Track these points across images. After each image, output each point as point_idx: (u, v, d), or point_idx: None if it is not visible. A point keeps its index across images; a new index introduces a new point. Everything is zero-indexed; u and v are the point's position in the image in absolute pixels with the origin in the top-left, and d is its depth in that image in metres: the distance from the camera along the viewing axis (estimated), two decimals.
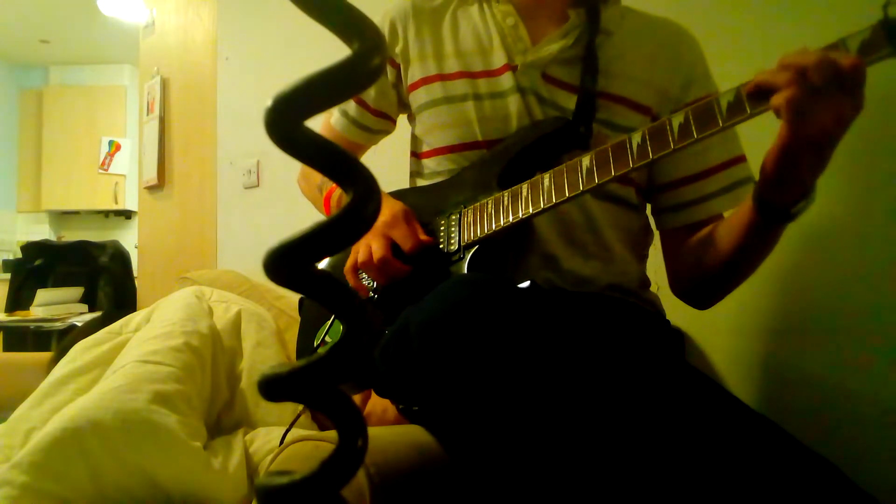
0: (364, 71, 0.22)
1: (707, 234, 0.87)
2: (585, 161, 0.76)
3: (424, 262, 0.86)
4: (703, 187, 0.90)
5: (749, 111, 0.64)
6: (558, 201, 0.77)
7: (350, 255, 0.89)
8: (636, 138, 0.72)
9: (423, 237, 0.86)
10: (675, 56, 0.92)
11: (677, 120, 0.69)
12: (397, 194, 1.00)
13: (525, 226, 0.84)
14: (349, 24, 0.22)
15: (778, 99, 0.62)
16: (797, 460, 0.55)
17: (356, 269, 0.88)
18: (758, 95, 0.63)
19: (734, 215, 0.81)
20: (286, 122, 0.22)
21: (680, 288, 0.95)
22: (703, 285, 0.91)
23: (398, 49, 0.99)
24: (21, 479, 0.83)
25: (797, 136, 0.64)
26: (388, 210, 0.88)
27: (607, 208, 0.90)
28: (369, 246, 0.85)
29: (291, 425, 0.89)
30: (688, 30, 0.96)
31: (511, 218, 0.81)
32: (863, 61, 0.59)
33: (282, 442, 0.85)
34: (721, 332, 1.14)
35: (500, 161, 0.88)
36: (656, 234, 1.00)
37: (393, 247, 0.85)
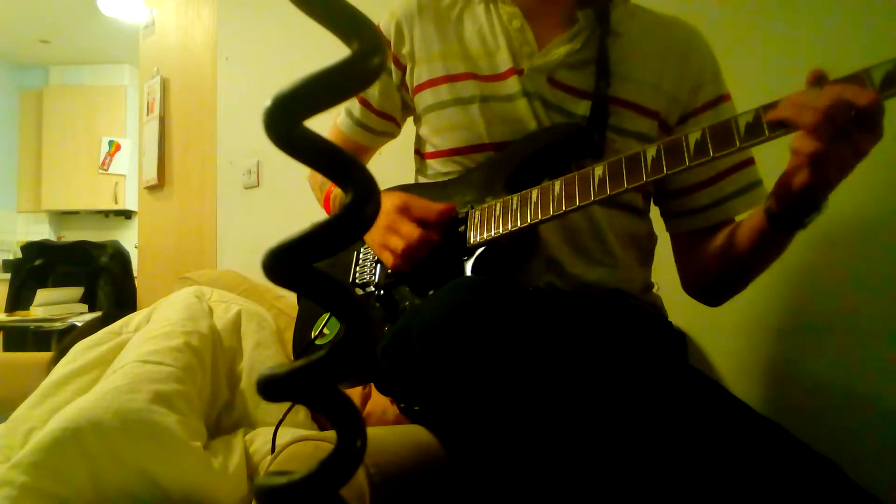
0: (363, 71, 0.22)
1: (721, 241, 0.87)
2: (598, 171, 0.75)
3: (448, 231, 0.86)
4: (719, 190, 0.90)
5: (767, 134, 0.64)
6: (568, 209, 0.77)
7: (382, 257, 0.88)
8: (651, 152, 0.71)
9: (439, 205, 0.86)
10: (685, 59, 0.91)
11: (694, 136, 0.68)
12: (401, 189, 1.00)
13: (533, 231, 0.83)
14: (349, 24, 0.22)
15: (801, 150, 0.63)
16: (799, 460, 0.55)
17: (401, 258, 0.85)
18: (778, 125, 0.63)
19: (746, 223, 0.82)
20: (285, 122, 0.21)
21: (694, 289, 0.96)
22: (717, 287, 0.92)
23: (405, 50, 0.98)
24: (21, 479, 0.83)
25: (818, 179, 0.65)
26: (397, 198, 0.88)
27: (613, 214, 0.90)
28: (398, 234, 0.84)
29: (278, 425, 0.89)
30: (698, 30, 0.94)
31: (519, 222, 0.80)
32: (880, 99, 0.58)
33: (273, 443, 0.85)
34: (723, 334, 1.14)
35: (510, 164, 0.88)
36: (659, 237, 1.00)
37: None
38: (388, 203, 0.87)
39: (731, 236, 0.85)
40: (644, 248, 0.96)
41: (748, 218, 0.82)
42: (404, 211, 0.85)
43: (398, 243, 0.84)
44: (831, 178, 0.65)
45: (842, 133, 0.60)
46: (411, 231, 0.83)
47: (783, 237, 0.78)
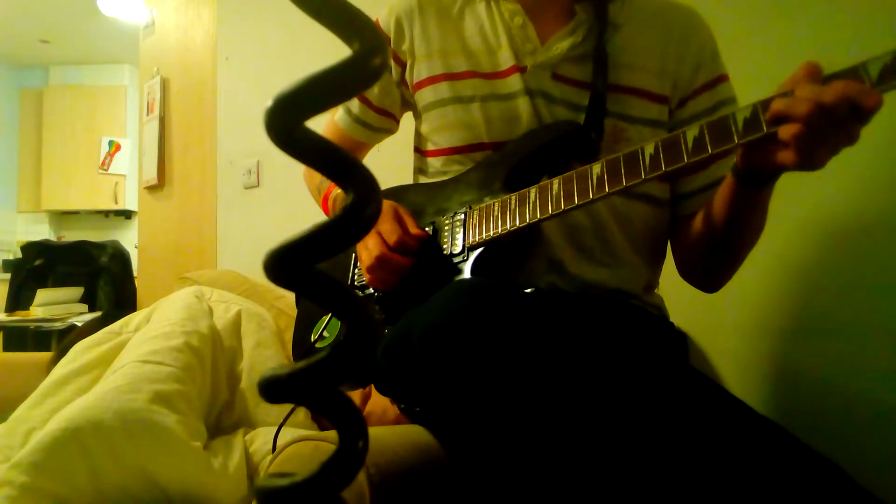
0: (364, 71, 0.22)
1: (701, 214, 0.87)
2: (596, 169, 0.75)
3: (425, 255, 0.85)
4: (709, 175, 0.90)
5: (766, 130, 0.64)
6: (567, 208, 0.76)
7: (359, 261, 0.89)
8: (649, 149, 0.71)
9: (414, 230, 0.86)
10: (685, 41, 0.91)
11: (692, 133, 0.68)
12: (398, 190, 1.00)
13: (531, 230, 0.83)
14: (349, 24, 0.22)
15: (787, 134, 0.61)
16: (800, 460, 0.54)
17: (368, 273, 0.87)
18: (775, 120, 0.63)
19: (720, 190, 0.80)
20: (286, 122, 0.21)
21: (688, 272, 0.95)
22: (707, 266, 0.91)
23: (405, 47, 0.98)
24: (21, 479, 0.83)
25: (805, 161, 0.63)
26: None
27: (634, 206, 0.89)
28: (367, 248, 0.85)
29: (280, 427, 0.90)
30: (696, 11, 0.94)
31: (518, 222, 0.80)
32: (881, 99, 0.58)
33: (275, 441, 0.85)
34: (723, 334, 1.14)
35: (508, 163, 0.87)
36: None
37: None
38: None
39: (710, 206, 0.84)
40: (657, 241, 0.95)
41: (721, 185, 0.81)
42: (378, 223, 0.85)
43: (366, 259, 0.85)
44: (822, 159, 0.63)
45: (838, 125, 0.60)
46: (374, 246, 0.84)
47: (755, 195, 0.76)
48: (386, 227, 0.85)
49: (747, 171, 0.72)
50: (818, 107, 0.59)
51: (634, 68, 0.89)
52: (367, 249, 0.85)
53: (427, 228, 0.90)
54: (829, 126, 0.60)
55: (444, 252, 0.87)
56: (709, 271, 0.92)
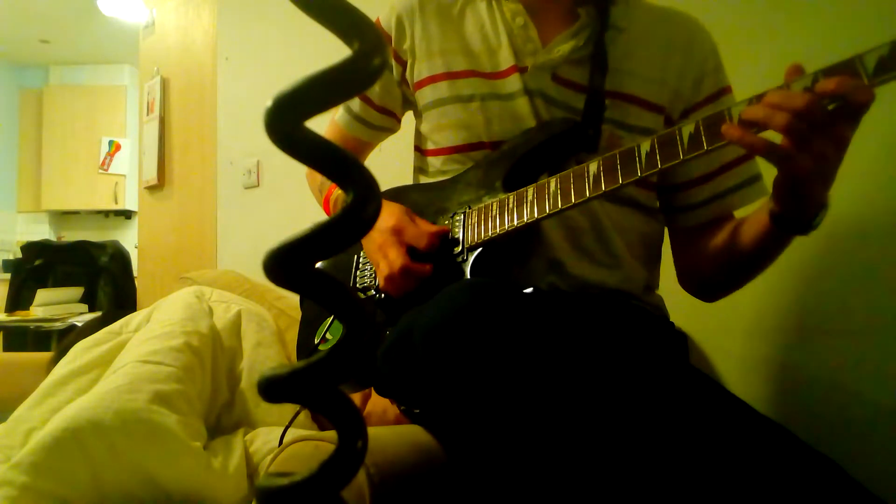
0: (364, 71, 0.22)
1: (723, 239, 0.87)
2: (592, 167, 0.75)
3: (441, 256, 0.85)
4: (719, 184, 0.90)
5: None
6: (564, 207, 0.76)
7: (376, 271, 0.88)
8: (645, 146, 0.71)
9: (432, 228, 0.85)
10: (687, 52, 0.91)
11: (687, 129, 0.68)
12: (398, 191, 1.00)
13: (531, 230, 0.83)
14: (349, 25, 0.22)
15: (775, 152, 0.62)
16: (801, 459, 0.55)
17: (386, 283, 0.85)
18: (750, 125, 0.63)
19: (750, 224, 0.81)
20: (286, 122, 0.21)
21: (690, 283, 0.95)
22: (715, 283, 0.92)
23: (406, 46, 0.97)
24: (21, 479, 0.83)
25: (802, 175, 0.64)
26: (391, 215, 0.86)
27: (622, 212, 0.89)
28: (387, 258, 0.84)
29: (289, 425, 0.90)
30: (699, 22, 0.94)
31: (516, 221, 0.80)
32: (873, 90, 0.58)
33: (281, 442, 0.85)
34: (724, 334, 1.14)
35: (506, 162, 0.87)
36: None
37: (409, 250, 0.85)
38: (385, 217, 0.86)
39: (734, 236, 0.84)
40: (652, 247, 0.95)
41: (751, 219, 0.81)
42: (397, 233, 0.84)
43: (384, 268, 0.84)
44: (817, 173, 0.63)
45: (819, 129, 0.59)
46: (396, 258, 0.82)
47: (789, 238, 0.77)
48: (411, 233, 0.84)
49: (783, 215, 0.72)
50: (789, 112, 0.59)
51: (634, 75, 0.89)
52: (387, 258, 0.84)
53: None
54: (810, 131, 0.60)
55: (448, 246, 0.87)
56: (715, 287, 0.93)
